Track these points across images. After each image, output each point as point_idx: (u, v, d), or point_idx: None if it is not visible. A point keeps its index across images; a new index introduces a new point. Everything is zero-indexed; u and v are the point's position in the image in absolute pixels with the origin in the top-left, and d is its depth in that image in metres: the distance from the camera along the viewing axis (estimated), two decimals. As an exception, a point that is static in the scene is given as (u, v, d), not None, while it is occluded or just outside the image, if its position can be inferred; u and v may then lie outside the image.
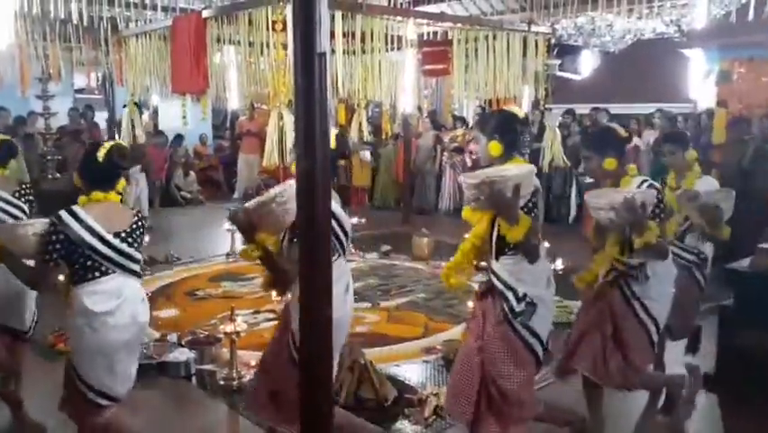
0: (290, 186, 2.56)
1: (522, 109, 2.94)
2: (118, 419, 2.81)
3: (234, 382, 3.97)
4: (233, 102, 6.49)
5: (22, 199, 3.41)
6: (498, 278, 2.75)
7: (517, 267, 2.70)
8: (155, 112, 12.92)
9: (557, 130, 7.84)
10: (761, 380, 3.63)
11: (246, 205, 2.77)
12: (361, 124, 7.23)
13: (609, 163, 3.08)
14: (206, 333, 4.71)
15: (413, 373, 4.22)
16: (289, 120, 4.77)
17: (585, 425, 3.13)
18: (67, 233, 2.62)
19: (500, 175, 2.60)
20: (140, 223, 2.86)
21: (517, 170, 2.66)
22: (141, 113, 7.99)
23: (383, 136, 10.72)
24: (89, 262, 2.67)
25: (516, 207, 2.56)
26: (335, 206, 2.69)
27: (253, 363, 4.26)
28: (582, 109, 10.37)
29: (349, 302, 2.97)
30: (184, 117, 6.69)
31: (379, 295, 5.98)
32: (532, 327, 2.73)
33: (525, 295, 2.68)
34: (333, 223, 2.62)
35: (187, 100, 6.60)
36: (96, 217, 2.70)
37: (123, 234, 2.74)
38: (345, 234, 2.87)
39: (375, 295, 5.97)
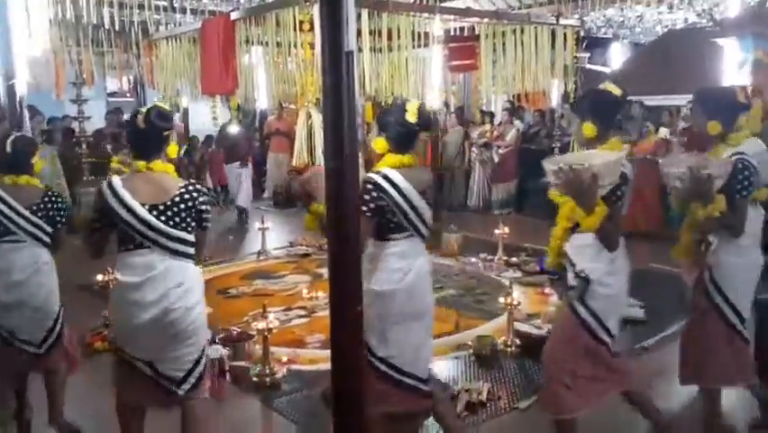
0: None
1: (617, 88, 2.79)
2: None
3: (267, 379, 4.02)
4: (262, 102, 6.55)
5: (47, 211, 3.21)
6: (566, 254, 2.74)
7: (582, 244, 2.68)
8: (185, 113, 13.09)
9: (587, 123, 7.75)
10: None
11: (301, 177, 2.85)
12: (388, 121, 7.23)
13: (713, 127, 2.97)
14: (240, 330, 4.77)
15: (444, 369, 4.23)
16: (318, 119, 4.81)
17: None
18: (103, 204, 2.66)
19: (579, 163, 2.53)
20: (186, 196, 2.69)
21: (600, 158, 2.59)
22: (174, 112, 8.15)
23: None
24: (124, 234, 2.68)
25: (591, 196, 2.51)
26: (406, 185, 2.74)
27: (285, 359, 4.32)
28: (613, 102, 10.21)
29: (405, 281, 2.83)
30: (214, 118, 6.78)
31: (409, 292, 5.98)
32: (590, 305, 2.68)
33: (581, 270, 2.66)
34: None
35: (216, 101, 6.69)
36: (134, 189, 2.66)
37: (161, 208, 2.65)
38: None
39: (405, 292, 5.97)
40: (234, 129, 9.79)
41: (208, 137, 11.74)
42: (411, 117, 2.79)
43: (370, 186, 2.72)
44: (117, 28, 7.25)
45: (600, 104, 2.78)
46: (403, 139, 2.85)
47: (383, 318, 2.76)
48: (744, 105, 2.98)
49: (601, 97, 2.80)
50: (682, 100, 9.50)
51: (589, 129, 2.73)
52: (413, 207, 2.78)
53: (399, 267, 2.78)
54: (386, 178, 2.74)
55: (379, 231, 2.78)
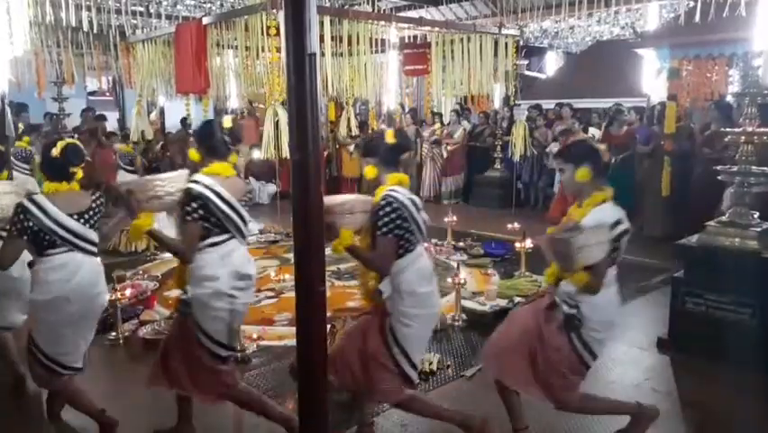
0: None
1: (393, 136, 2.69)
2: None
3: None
4: (233, 101, 6.44)
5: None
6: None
7: None
8: (162, 111, 12.77)
9: (525, 123, 7.87)
10: (708, 340, 3.72)
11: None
12: (349, 120, 7.19)
13: (582, 174, 2.55)
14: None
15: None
16: (284, 116, 4.73)
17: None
18: None
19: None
20: None
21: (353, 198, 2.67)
22: (149, 112, 7.93)
23: (369, 131, 10.67)
24: None
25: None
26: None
27: (255, 336, 4.27)
28: (548, 104, 10.38)
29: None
30: (188, 115, 6.63)
31: (367, 274, 5.97)
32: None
33: None
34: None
35: (190, 100, 6.54)
36: None
37: None
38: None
39: (364, 274, 5.96)
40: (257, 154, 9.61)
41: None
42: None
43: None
44: (96, 31, 7.01)
45: (382, 146, 2.69)
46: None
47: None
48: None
49: (382, 141, 2.69)
50: (608, 103, 9.71)
51: (371, 171, 2.71)
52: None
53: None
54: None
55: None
